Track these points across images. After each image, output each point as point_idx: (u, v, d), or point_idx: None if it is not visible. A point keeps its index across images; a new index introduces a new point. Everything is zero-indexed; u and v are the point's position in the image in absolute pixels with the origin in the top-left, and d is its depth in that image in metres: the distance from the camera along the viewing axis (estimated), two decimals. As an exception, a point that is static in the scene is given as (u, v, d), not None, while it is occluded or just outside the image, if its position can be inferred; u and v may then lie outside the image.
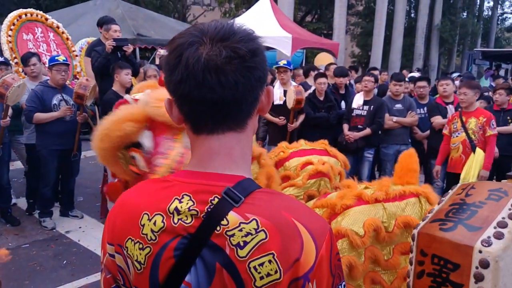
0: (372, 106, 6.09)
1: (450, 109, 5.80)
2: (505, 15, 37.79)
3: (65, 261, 4.61)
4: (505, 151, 5.60)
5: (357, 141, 6.07)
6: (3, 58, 7.28)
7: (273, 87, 6.48)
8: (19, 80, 5.00)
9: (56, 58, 5.33)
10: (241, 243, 0.84)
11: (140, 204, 0.95)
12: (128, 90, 5.49)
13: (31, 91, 5.25)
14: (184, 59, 0.86)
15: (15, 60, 7.57)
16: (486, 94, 7.66)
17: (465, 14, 29.01)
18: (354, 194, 2.07)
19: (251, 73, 0.87)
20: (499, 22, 35.89)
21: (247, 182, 0.92)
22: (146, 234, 0.91)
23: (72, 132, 5.37)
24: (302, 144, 3.29)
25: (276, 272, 0.83)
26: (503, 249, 1.17)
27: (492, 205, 1.29)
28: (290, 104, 5.87)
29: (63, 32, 8.75)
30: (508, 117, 5.81)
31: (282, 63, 6.50)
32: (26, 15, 8.20)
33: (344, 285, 0.95)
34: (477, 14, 30.66)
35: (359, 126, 6.11)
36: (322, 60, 13.40)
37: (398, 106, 6.20)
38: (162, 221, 0.90)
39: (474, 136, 5.03)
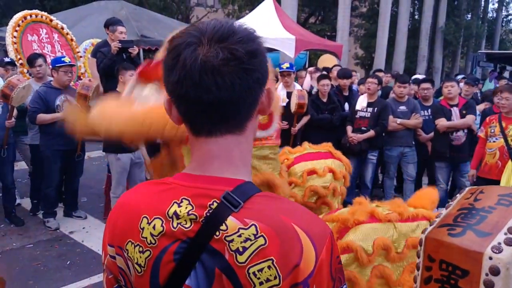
0: (376, 108, 6.07)
1: (455, 111, 5.76)
2: (509, 17, 37.64)
3: (68, 262, 4.63)
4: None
5: (360, 143, 6.05)
6: (9, 58, 7.31)
7: (276, 89, 6.46)
8: (24, 81, 5.02)
9: (63, 59, 5.35)
10: (240, 249, 0.84)
11: (139, 207, 0.95)
12: (132, 91, 5.50)
13: (34, 92, 5.26)
14: (181, 59, 0.86)
15: (20, 61, 7.59)
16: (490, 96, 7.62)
17: (469, 16, 28.90)
18: (367, 211, 2.06)
19: (249, 75, 0.87)
20: (503, 24, 35.74)
21: (246, 186, 0.91)
22: (146, 238, 0.91)
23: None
24: (307, 147, 3.26)
25: (275, 278, 0.82)
26: None
27: (502, 211, 1.27)
28: (292, 108, 5.87)
29: (67, 33, 8.77)
30: None
31: (285, 66, 6.47)
32: (31, 16, 8.22)
33: None
34: (481, 16, 30.54)
35: (363, 128, 6.10)
36: (325, 62, 13.37)
37: (402, 108, 6.19)
38: (162, 225, 0.90)
39: None
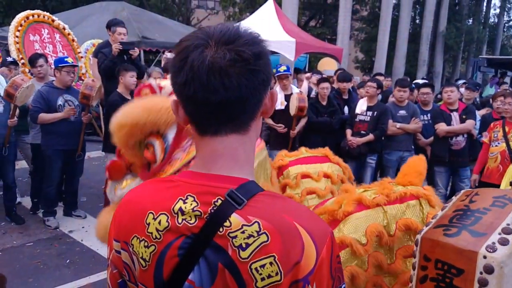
0: (375, 112, 6.08)
1: (455, 116, 5.77)
2: (511, 22, 37.66)
3: (68, 260, 4.64)
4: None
5: (360, 146, 6.05)
6: (12, 58, 7.33)
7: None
8: (28, 81, 5.05)
9: (65, 59, 5.39)
10: (243, 245, 0.86)
11: (145, 203, 0.97)
12: (132, 92, 5.54)
13: (36, 92, 5.29)
14: (189, 61, 0.88)
15: (22, 61, 7.62)
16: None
17: (470, 21, 28.86)
18: (354, 198, 2.04)
19: (255, 76, 0.89)
20: (505, 30, 35.75)
21: (250, 185, 0.94)
22: (151, 233, 0.93)
23: (76, 133, 5.43)
24: (303, 152, 3.25)
25: (277, 274, 0.84)
26: (508, 255, 1.18)
27: (496, 212, 1.29)
28: (292, 111, 5.88)
29: (69, 34, 8.80)
30: None
31: (282, 69, 6.43)
32: (33, 16, 8.25)
33: (344, 287, 0.96)
34: (483, 21, 30.48)
35: (362, 132, 6.10)
36: (325, 65, 13.40)
37: (402, 112, 6.20)
38: (167, 221, 0.92)
39: None
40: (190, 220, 0.91)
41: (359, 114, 6.20)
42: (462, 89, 7.75)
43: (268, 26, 10.90)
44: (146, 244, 0.94)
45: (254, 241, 0.86)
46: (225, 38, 0.89)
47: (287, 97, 6.20)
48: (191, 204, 0.91)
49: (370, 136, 6.03)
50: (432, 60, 25.44)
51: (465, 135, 5.77)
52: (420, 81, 9.53)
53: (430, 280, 1.30)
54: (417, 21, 28.00)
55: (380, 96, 7.58)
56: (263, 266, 0.85)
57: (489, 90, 14.13)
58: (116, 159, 2.18)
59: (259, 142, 2.13)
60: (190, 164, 1.88)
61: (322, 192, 2.82)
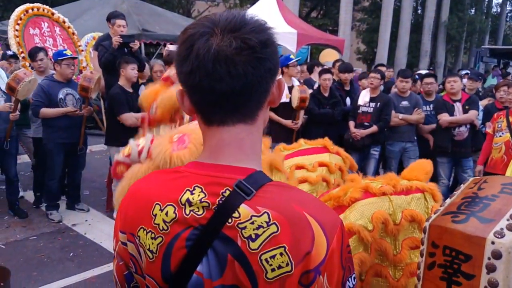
0: (378, 103, 6.06)
1: (457, 106, 5.73)
2: (514, 12, 37.50)
3: (71, 254, 4.66)
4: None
5: (363, 138, 6.04)
6: (12, 52, 7.31)
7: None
8: (31, 75, 5.03)
9: (64, 52, 5.37)
10: (253, 236, 0.85)
11: (151, 194, 0.96)
12: (134, 85, 5.52)
13: (37, 86, 5.28)
14: (195, 49, 0.86)
15: (22, 55, 7.59)
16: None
17: (473, 10, 28.76)
18: (361, 186, 2.04)
19: (261, 64, 0.87)
20: (507, 19, 35.62)
21: (258, 175, 0.92)
22: (158, 224, 0.92)
23: (78, 126, 5.42)
24: (302, 144, 3.23)
25: (287, 264, 0.83)
26: None
27: (505, 199, 1.29)
28: (294, 103, 5.84)
29: (69, 27, 8.76)
30: None
31: (292, 56, 6.38)
32: (32, 9, 8.21)
33: (354, 277, 0.95)
34: (485, 11, 30.33)
35: (366, 123, 6.08)
36: (327, 56, 13.35)
37: (405, 103, 6.18)
38: (174, 212, 0.91)
39: None
40: (198, 211, 0.89)
41: (362, 106, 6.18)
42: (465, 80, 7.70)
43: (269, 18, 10.75)
44: (153, 235, 0.92)
45: (264, 231, 0.85)
46: (231, 25, 0.87)
47: (290, 90, 6.17)
48: (198, 195, 0.90)
49: (374, 128, 6.01)
50: (434, 50, 25.39)
51: (468, 126, 5.75)
52: (423, 72, 9.49)
53: (438, 267, 1.30)
54: (419, 11, 27.90)
55: (382, 87, 7.58)
56: (273, 257, 0.84)
57: (491, 81, 14.09)
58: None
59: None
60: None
61: (314, 179, 2.82)
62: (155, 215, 0.92)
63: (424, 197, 2.05)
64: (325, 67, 7.56)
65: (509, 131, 4.95)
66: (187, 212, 0.90)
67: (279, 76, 0.98)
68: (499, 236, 1.19)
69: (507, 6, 33.52)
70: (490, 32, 31.00)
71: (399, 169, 6.47)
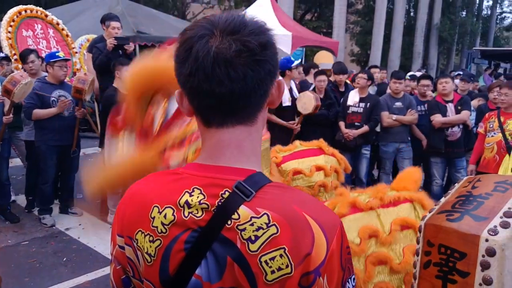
0: (368, 104, 6.13)
1: (450, 107, 5.79)
2: (504, 14, 37.93)
3: (65, 258, 4.61)
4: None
5: (356, 138, 6.08)
6: (4, 54, 7.26)
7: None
8: (27, 77, 5.00)
9: (57, 54, 5.34)
10: (252, 238, 0.84)
11: (150, 196, 0.95)
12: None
13: (30, 88, 5.25)
14: (194, 52, 0.86)
15: (15, 57, 7.54)
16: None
17: (464, 13, 29.06)
18: (348, 201, 2.04)
19: (261, 66, 0.87)
20: (498, 22, 35.94)
21: (258, 176, 0.92)
22: (157, 227, 0.91)
23: (71, 128, 5.38)
24: (297, 145, 3.23)
25: (287, 266, 0.83)
26: (509, 237, 1.19)
27: (498, 197, 1.31)
28: (308, 110, 5.81)
29: (63, 29, 8.72)
30: None
31: (296, 63, 6.46)
32: (26, 11, 8.16)
33: (354, 279, 0.94)
34: (476, 13, 30.71)
35: (357, 124, 6.13)
36: (321, 58, 13.41)
37: (398, 104, 6.21)
38: (173, 214, 0.90)
39: (511, 138, 4.91)
40: (197, 213, 0.88)
41: (351, 106, 6.21)
42: (457, 81, 7.75)
43: (264, 20, 10.83)
44: (151, 238, 0.91)
45: (264, 233, 0.84)
46: (230, 27, 0.87)
47: (289, 92, 6.18)
48: (197, 197, 0.89)
49: (366, 128, 6.07)
50: (426, 52, 25.59)
51: (461, 126, 5.80)
52: (417, 73, 9.53)
53: (434, 265, 1.31)
54: (412, 14, 28.09)
55: (375, 88, 7.62)
56: (273, 258, 0.83)
57: (482, 82, 14.19)
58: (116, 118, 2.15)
59: (264, 132, 2.11)
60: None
61: (308, 173, 2.84)
62: (154, 218, 0.91)
63: (414, 206, 2.05)
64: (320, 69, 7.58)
65: (501, 131, 4.99)
66: (186, 214, 0.89)
67: (279, 78, 0.97)
68: (493, 234, 1.20)
69: (497, 8, 33.79)
70: (481, 34, 31.28)
71: (394, 170, 6.52)
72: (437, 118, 5.77)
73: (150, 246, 0.91)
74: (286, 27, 11.35)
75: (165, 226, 0.90)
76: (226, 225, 0.85)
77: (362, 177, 6.36)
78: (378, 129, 6.38)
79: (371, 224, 1.95)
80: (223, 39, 0.85)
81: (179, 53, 0.90)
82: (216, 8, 24.44)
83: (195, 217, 0.88)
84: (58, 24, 8.65)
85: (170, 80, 1.78)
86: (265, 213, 0.85)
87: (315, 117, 6.21)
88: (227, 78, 0.85)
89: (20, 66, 7.13)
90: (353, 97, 6.24)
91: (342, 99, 6.49)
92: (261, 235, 0.84)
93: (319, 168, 3.03)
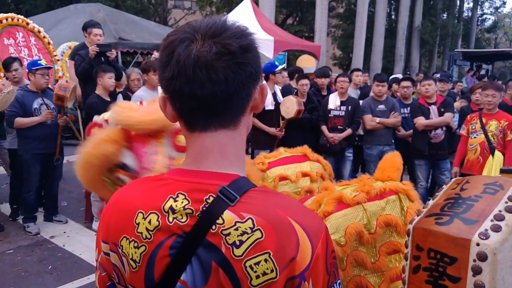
0: (349, 107, 6.17)
1: (433, 109, 5.82)
2: (484, 16, 38.25)
3: (50, 266, 4.55)
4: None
5: (340, 142, 6.10)
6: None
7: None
8: (9, 86, 4.93)
9: (39, 62, 5.29)
10: (237, 242, 0.84)
11: (134, 203, 0.94)
12: (111, 94, 5.46)
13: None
14: (175, 55, 0.86)
15: (-4, 65, 7.45)
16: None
17: (445, 15, 29.32)
18: (334, 197, 2.04)
19: (242, 69, 0.87)
20: (479, 23, 36.30)
21: (242, 181, 0.92)
22: (141, 233, 0.90)
23: (54, 136, 5.33)
24: (282, 152, 3.24)
25: (272, 271, 0.83)
26: (500, 241, 1.17)
27: (488, 199, 1.29)
28: (290, 115, 5.82)
29: (44, 37, 8.65)
30: None
31: (279, 68, 6.47)
32: (6, 19, 8.08)
33: (339, 284, 0.94)
34: (457, 15, 30.99)
35: (339, 127, 6.16)
36: (304, 62, 13.45)
37: (381, 107, 6.24)
38: (157, 220, 0.89)
39: (494, 139, 4.95)
40: (182, 218, 0.88)
41: (333, 110, 6.23)
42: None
43: (245, 25, 10.88)
44: (136, 244, 0.91)
45: (248, 238, 0.84)
46: (211, 31, 0.87)
47: (273, 96, 6.18)
48: (182, 202, 0.89)
49: (349, 131, 6.11)
50: (408, 55, 25.79)
51: (444, 128, 5.84)
52: (399, 76, 9.62)
53: (423, 270, 1.29)
54: (393, 16, 28.32)
55: (358, 92, 7.67)
56: (258, 263, 0.83)
57: (464, 83, 14.38)
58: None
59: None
60: (169, 166, 1.89)
61: (294, 178, 2.85)
62: (138, 224, 0.91)
63: (399, 198, 2.07)
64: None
65: (483, 133, 5.03)
66: (171, 220, 0.88)
67: (263, 82, 0.97)
68: (484, 238, 1.18)
69: (478, 10, 34.24)
70: (463, 36, 31.59)
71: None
72: (420, 121, 5.79)
73: (135, 252, 0.91)
74: (268, 31, 11.37)
75: (150, 232, 0.89)
76: (211, 230, 0.85)
77: (346, 180, 6.35)
78: (360, 131, 6.43)
79: (358, 220, 1.96)
80: (204, 43, 0.86)
81: (161, 58, 0.90)
82: (198, 13, 24.40)
83: (179, 223, 0.88)
84: (39, 32, 8.57)
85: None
86: (249, 218, 0.85)
87: (299, 121, 6.22)
88: (208, 81, 0.85)
89: (2, 74, 7.05)
90: (334, 101, 6.25)
91: (322, 103, 6.52)
92: (246, 240, 0.84)
93: (305, 174, 3.03)
